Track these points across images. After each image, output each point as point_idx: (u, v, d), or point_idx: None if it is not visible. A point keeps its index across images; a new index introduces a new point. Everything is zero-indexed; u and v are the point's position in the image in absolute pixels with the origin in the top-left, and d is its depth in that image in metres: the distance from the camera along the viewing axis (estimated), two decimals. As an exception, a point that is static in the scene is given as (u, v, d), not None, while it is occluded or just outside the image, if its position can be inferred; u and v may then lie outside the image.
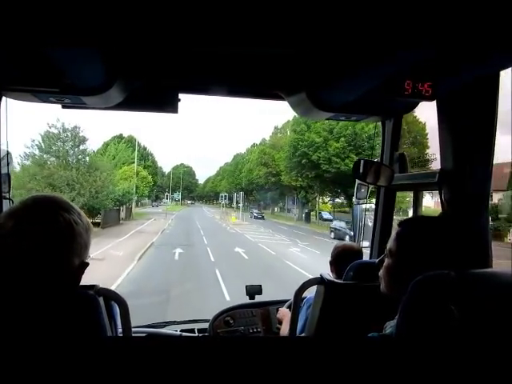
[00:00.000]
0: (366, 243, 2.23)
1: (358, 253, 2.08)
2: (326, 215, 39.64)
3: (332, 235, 24.59)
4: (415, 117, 26.17)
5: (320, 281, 1.75)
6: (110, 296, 1.28)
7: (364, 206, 2.31)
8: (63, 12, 0.97)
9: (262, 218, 43.34)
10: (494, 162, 1.42)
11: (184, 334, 2.34)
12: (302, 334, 1.86)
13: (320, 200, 41.02)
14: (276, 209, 59.02)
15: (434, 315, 0.78)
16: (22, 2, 0.95)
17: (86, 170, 24.69)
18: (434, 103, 1.50)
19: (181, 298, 7.72)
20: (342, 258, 2.00)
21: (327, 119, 1.91)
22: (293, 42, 1.32)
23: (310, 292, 1.88)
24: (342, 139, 31.21)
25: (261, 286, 2.64)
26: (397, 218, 1.31)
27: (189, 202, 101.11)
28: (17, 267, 0.85)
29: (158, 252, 15.97)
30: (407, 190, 2.01)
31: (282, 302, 2.46)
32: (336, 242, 2.38)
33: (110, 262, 12.09)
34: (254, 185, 54.30)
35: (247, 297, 2.59)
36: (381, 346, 0.83)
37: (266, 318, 2.49)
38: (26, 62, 1.41)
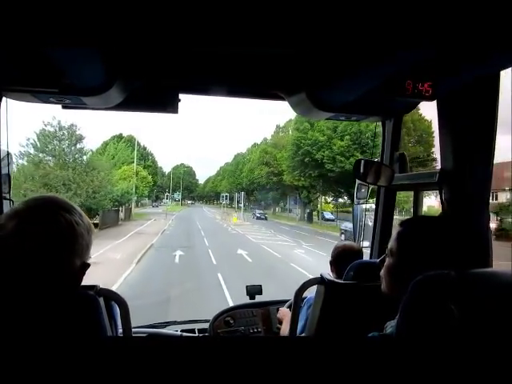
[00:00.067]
0: (366, 243, 2.25)
1: (358, 253, 2.10)
2: (327, 215, 39.60)
3: (342, 237, 23.04)
4: (420, 115, 26.10)
5: (320, 281, 1.77)
6: (111, 296, 1.29)
7: (364, 205, 2.34)
8: (63, 12, 0.98)
9: (265, 218, 43.13)
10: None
11: (184, 334, 2.36)
12: (303, 334, 1.88)
13: (322, 200, 40.99)
14: (277, 209, 58.98)
15: (434, 315, 0.79)
16: (21, 2, 0.96)
17: (82, 170, 24.49)
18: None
19: (182, 305, 7.44)
20: (343, 258, 2.02)
21: (327, 119, 1.92)
22: (293, 42, 1.33)
23: (311, 292, 1.90)
24: (347, 137, 31.11)
25: (261, 286, 2.67)
26: (400, 218, 1.33)
27: (189, 202, 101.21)
28: (18, 268, 0.86)
29: (157, 254, 15.69)
30: (407, 190, 2.03)
31: (282, 302, 2.48)
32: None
33: (107, 265, 11.54)
34: (255, 185, 54.28)
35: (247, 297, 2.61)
36: (381, 346, 0.84)
37: (267, 318, 2.51)
38: (26, 62, 1.43)
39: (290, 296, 1.92)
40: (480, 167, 1.44)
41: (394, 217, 2.16)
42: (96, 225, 21.78)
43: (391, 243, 1.16)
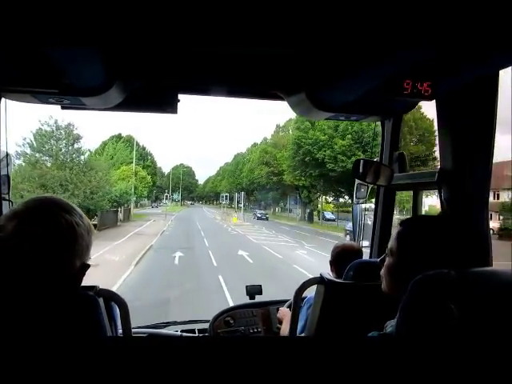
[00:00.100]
0: (365, 243, 2.27)
1: (358, 252, 2.12)
2: (328, 215, 39.61)
3: (347, 238, 22.54)
4: (422, 113, 26.08)
5: (320, 280, 1.78)
6: (110, 297, 1.29)
7: (364, 205, 2.35)
8: (63, 12, 0.99)
9: (266, 218, 43.06)
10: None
11: (184, 334, 2.37)
12: (303, 334, 1.89)
13: (323, 200, 40.98)
14: (277, 209, 59.00)
15: (433, 314, 0.80)
16: (21, 2, 0.97)
17: (80, 170, 24.34)
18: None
19: (182, 308, 7.27)
20: (342, 258, 2.04)
21: (326, 119, 1.93)
22: (292, 42, 1.34)
23: (311, 292, 1.91)
24: (349, 136, 31.10)
25: (261, 285, 2.68)
26: (401, 218, 1.34)
27: (189, 202, 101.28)
28: (18, 269, 0.87)
29: (156, 256, 15.52)
30: (407, 190, 2.04)
31: (282, 302, 2.49)
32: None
33: (105, 267, 11.28)
34: (256, 184, 54.29)
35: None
36: (381, 346, 0.84)
37: (267, 318, 2.52)
38: (26, 63, 1.43)
39: (291, 295, 1.93)
40: (479, 167, 1.45)
41: (396, 216, 2.17)
42: (94, 226, 21.73)
43: (391, 243, 1.17)
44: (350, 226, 24.89)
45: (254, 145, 66.62)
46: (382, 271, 1.20)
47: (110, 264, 12.46)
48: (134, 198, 38.24)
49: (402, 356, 0.77)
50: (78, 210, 0.99)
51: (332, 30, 1.21)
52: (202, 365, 0.72)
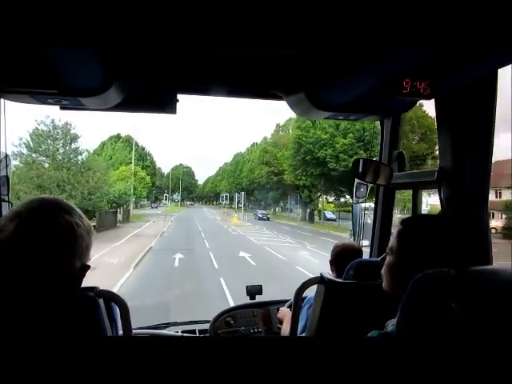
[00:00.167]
0: (365, 242, 2.29)
1: (358, 252, 2.14)
2: (329, 215, 39.57)
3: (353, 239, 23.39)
4: (424, 111, 26.05)
5: (320, 280, 1.79)
6: (111, 297, 1.30)
7: (363, 204, 2.37)
8: (61, 12, 0.99)
9: (268, 219, 42.96)
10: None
11: (185, 335, 2.38)
12: (303, 334, 1.90)
13: (324, 199, 40.96)
14: (277, 209, 58.99)
15: (434, 313, 0.81)
16: (19, 2, 0.97)
17: (77, 170, 24.19)
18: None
19: (182, 313, 6.90)
20: (342, 257, 2.05)
21: (326, 118, 1.95)
22: (292, 41, 1.35)
23: (311, 291, 1.92)
24: (351, 135, 31.05)
25: (261, 285, 2.69)
26: (402, 217, 1.35)
27: (188, 202, 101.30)
28: (18, 269, 0.88)
29: (156, 258, 15.39)
30: (406, 189, 2.05)
31: (282, 302, 2.50)
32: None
33: (103, 271, 10.83)
34: (256, 184, 54.29)
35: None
36: (382, 345, 0.85)
37: (267, 318, 2.54)
38: (24, 63, 1.45)
39: (292, 297, 1.94)
40: (479, 165, 1.46)
41: (397, 215, 2.19)
42: (93, 227, 21.65)
43: (391, 241, 1.19)
44: (354, 226, 25.21)
45: (254, 144, 66.78)
46: (383, 270, 1.21)
47: (109, 267, 12.22)
48: (134, 199, 38.14)
49: (403, 356, 0.77)
50: (78, 210, 1.00)
51: (331, 30, 1.23)
52: (202, 365, 0.72)
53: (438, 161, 1.60)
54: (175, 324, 2.66)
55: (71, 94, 1.56)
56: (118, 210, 30.35)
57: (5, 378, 0.67)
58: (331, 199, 41.83)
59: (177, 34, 1.30)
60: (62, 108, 1.79)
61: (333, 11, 1.09)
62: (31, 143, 24.73)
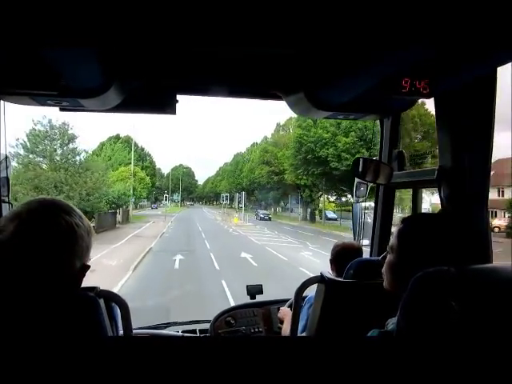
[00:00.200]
0: (365, 241, 2.31)
1: (358, 251, 2.15)
2: (330, 214, 39.57)
3: None
4: (426, 109, 26.00)
5: (320, 279, 1.80)
6: (111, 298, 1.31)
7: (364, 204, 2.39)
8: (60, 12, 1.00)
9: (269, 219, 42.91)
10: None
11: (186, 334, 2.40)
12: (304, 334, 1.92)
13: (325, 199, 40.93)
14: (278, 209, 58.99)
15: (434, 311, 0.82)
16: (18, 3, 0.98)
17: (75, 171, 24.07)
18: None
19: (183, 317, 6.78)
20: (342, 257, 2.07)
21: (325, 118, 1.96)
22: (291, 42, 1.36)
23: (311, 291, 1.93)
24: (353, 134, 31.00)
25: (261, 285, 2.71)
26: (404, 216, 1.37)
27: (188, 203, 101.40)
28: (18, 269, 0.89)
29: (156, 259, 15.28)
30: (406, 188, 2.07)
31: (282, 302, 2.52)
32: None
33: (102, 273, 10.60)
34: (256, 184, 54.26)
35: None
36: (382, 344, 0.86)
37: (268, 318, 2.55)
38: (24, 65, 1.46)
39: (293, 296, 1.95)
40: (479, 164, 1.47)
41: (398, 214, 2.20)
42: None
43: (392, 240, 1.20)
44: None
45: (254, 144, 66.81)
46: (384, 268, 1.23)
47: (107, 269, 12.07)
48: (133, 200, 38.07)
49: (403, 354, 0.78)
50: (78, 211, 1.01)
51: (331, 30, 1.24)
52: (203, 365, 0.73)
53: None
54: (175, 324, 2.67)
55: (71, 96, 1.58)
56: (118, 211, 30.24)
57: (5, 377, 0.68)
58: (332, 199, 41.80)
59: (176, 34, 1.31)
60: (62, 109, 1.81)
61: (333, 11, 1.10)
62: (28, 144, 24.55)
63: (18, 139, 24.10)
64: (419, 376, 0.74)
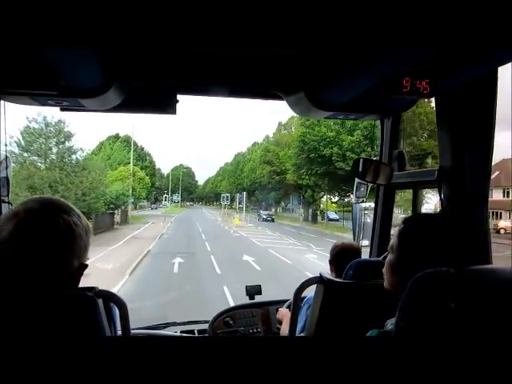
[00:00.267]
0: (365, 242, 2.33)
1: (358, 251, 2.18)
2: (332, 215, 39.50)
3: None
4: (432, 108, 25.84)
5: (319, 280, 1.82)
6: (110, 298, 1.31)
7: (363, 204, 2.41)
8: (60, 12, 1.02)
9: (272, 220, 42.72)
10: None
11: (184, 335, 2.41)
12: (302, 334, 1.93)
13: (327, 199, 40.84)
14: (278, 209, 58.91)
15: (432, 312, 0.84)
16: (18, 3, 1.00)
17: (71, 170, 23.93)
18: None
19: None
20: (342, 257, 2.09)
21: (326, 118, 1.98)
22: (292, 41, 1.38)
23: (310, 292, 1.95)
24: (358, 132, 30.91)
25: (260, 285, 2.74)
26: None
27: (188, 203, 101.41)
28: (16, 268, 0.90)
29: (154, 262, 14.99)
30: (406, 188, 2.09)
31: (281, 302, 2.54)
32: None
33: (97, 277, 9.17)
34: (257, 184, 54.18)
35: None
36: (380, 345, 0.87)
37: (266, 319, 2.58)
38: (24, 65, 1.49)
39: (291, 297, 1.96)
40: (479, 165, 1.49)
41: (400, 215, 2.22)
42: (90, 228, 21.35)
43: (392, 240, 1.23)
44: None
45: (255, 144, 66.80)
46: (384, 268, 1.25)
47: (102, 273, 11.42)
48: (132, 200, 37.93)
49: (402, 355, 0.79)
50: (77, 210, 1.03)
51: (331, 30, 1.25)
52: (201, 365, 0.74)
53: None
54: (174, 324, 2.69)
55: (71, 96, 1.61)
56: (116, 212, 30.09)
57: (2, 377, 0.69)
58: (335, 199, 41.72)
59: (177, 34, 1.33)
60: (62, 109, 1.84)
61: (333, 11, 1.12)
62: (22, 142, 24.34)
63: (12, 137, 23.78)
64: (418, 376, 0.76)
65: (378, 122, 2.24)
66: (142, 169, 48.75)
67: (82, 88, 1.56)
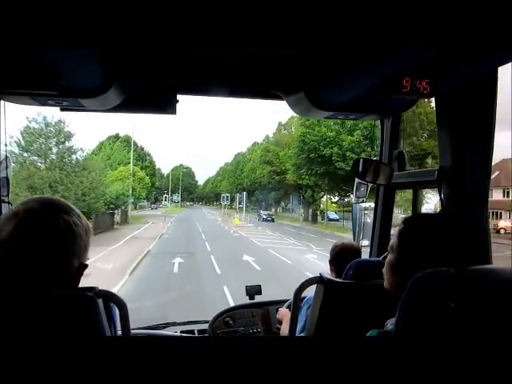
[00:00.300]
0: (365, 242, 2.33)
1: (358, 251, 2.18)
2: (332, 215, 39.57)
3: None
4: (432, 107, 25.85)
5: (319, 280, 1.82)
6: (110, 298, 1.31)
7: (363, 204, 2.42)
8: (60, 12, 1.02)
9: (272, 220, 42.79)
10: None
11: (184, 335, 2.42)
12: (302, 334, 1.93)
13: (327, 199, 40.87)
14: (278, 209, 58.96)
15: (432, 312, 0.84)
16: (18, 3, 1.00)
17: (71, 170, 23.96)
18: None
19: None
20: (342, 257, 2.09)
21: (326, 118, 1.99)
22: (292, 42, 1.38)
23: (310, 292, 1.95)
24: (358, 132, 30.92)
25: (260, 285, 2.75)
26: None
27: (188, 203, 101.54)
28: (16, 268, 0.91)
29: (154, 262, 14.99)
30: (406, 188, 2.09)
31: (281, 302, 2.54)
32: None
33: (97, 277, 8.99)
34: (257, 184, 54.24)
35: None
36: (380, 345, 0.87)
37: (266, 319, 2.58)
38: (24, 65, 1.49)
39: (291, 297, 1.96)
40: (479, 165, 1.50)
41: (400, 215, 2.23)
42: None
43: (392, 240, 1.23)
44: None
45: (255, 144, 66.88)
46: (384, 268, 1.25)
47: (102, 273, 11.39)
48: (132, 200, 37.93)
49: (402, 355, 0.80)
50: (77, 210, 1.04)
51: (331, 30, 1.26)
52: (201, 365, 0.74)
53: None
54: (174, 324, 2.69)
55: (71, 96, 1.61)
56: (116, 212, 30.11)
57: (2, 377, 0.69)
58: (335, 199, 41.76)
59: (177, 34, 1.33)
60: (63, 109, 1.84)
61: (333, 11, 1.12)
62: (22, 142, 24.36)
63: (12, 137, 23.79)
64: (417, 376, 0.76)
65: (378, 122, 2.25)
66: (141, 169, 48.79)
67: (81, 88, 1.56)
